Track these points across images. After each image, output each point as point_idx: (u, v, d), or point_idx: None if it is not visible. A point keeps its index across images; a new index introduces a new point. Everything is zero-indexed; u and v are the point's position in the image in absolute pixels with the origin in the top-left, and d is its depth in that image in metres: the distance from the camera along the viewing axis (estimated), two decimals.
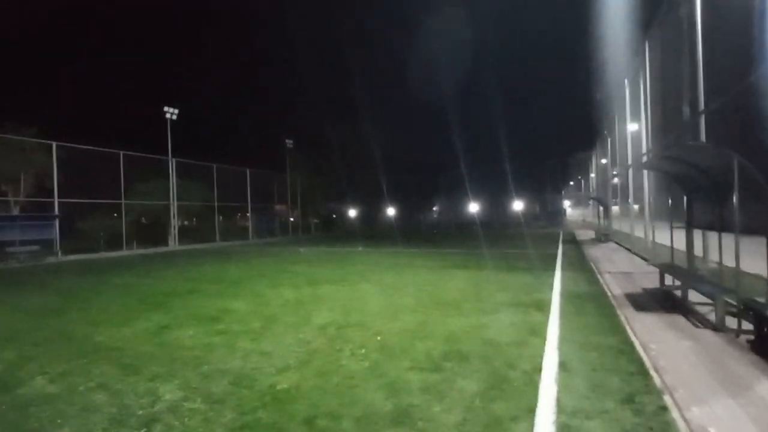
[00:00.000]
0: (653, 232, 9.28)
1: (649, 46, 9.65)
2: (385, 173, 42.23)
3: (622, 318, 4.52)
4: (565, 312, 4.82)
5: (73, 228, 18.53)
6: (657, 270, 7.80)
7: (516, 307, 5.16)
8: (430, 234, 27.27)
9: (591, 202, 34.03)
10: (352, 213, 45.89)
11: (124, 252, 18.25)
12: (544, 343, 3.68)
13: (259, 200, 26.15)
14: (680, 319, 4.44)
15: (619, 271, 8.08)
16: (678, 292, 5.62)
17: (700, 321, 4.30)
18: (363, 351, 3.64)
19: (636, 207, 15.42)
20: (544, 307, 5.08)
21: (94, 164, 17.56)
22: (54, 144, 16.21)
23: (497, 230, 28.89)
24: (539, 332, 4.04)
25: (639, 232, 13.98)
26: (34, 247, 14.87)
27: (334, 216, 36.98)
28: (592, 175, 35.99)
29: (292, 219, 31.75)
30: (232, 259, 13.34)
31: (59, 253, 15.93)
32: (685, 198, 5.92)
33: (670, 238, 6.24)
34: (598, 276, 7.54)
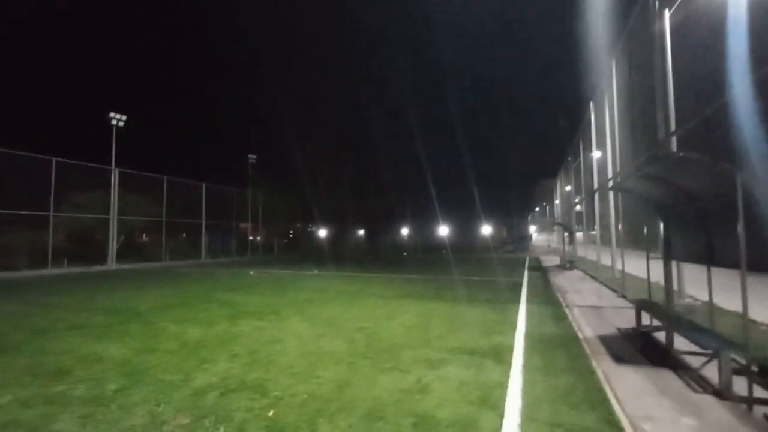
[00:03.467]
0: (622, 261, 8.58)
1: (616, 66, 9.25)
2: (353, 193, 41.30)
3: (600, 375, 3.53)
4: (529, 366, 3.78)
5: None
6: (628, 303, 7.07)
7: (470, 356, 4.08)
8: (397, 257, 26.21)
9: (556, 227, 34.24)
10: (321, 233, 44.37)
11: (49, 270, 16.06)
12: (501, 425, 2.60)
13: (215, 217, 24.35)
14: (670, 377, 3.49)
15: (588, 305, 7.23)
16: (658, 335, 4.76)
17: (696, 381, 3.37)
18: None
19: (599, 234, 15.05)
20: (503, 358, 4.03)
21: (22, 171, 15.54)
22: None
23: (465, 254, 28.23)
24: (495, 402, 2.96)
25: (605, 260, 13.48)
26: None
27: (292, 236, 35.31)
28: (557, 201, 36.48)
29: (253, 238, 29.94)
30: (163, 282, 11.68)
31: None
32: (661, 225, 5.18)
33: (647, 269, 5.44)
34: (566, 311, 6.64)
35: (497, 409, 2.84)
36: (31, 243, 16.47)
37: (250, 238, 29.88)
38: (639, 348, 4.44)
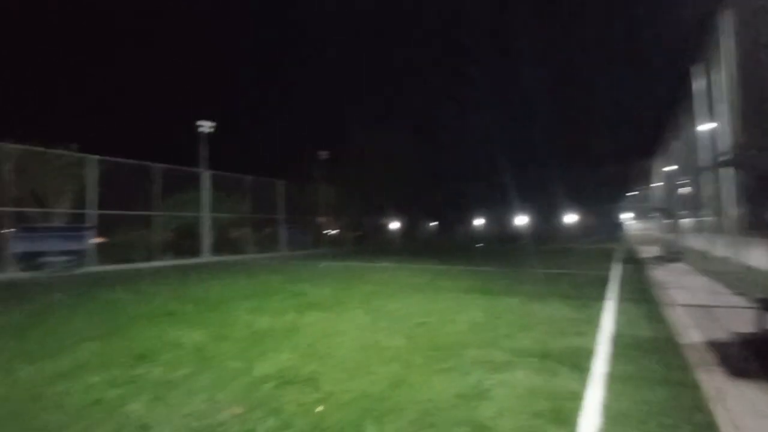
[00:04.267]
0: (742, 251, 7.13)
1: (723, 25, 7.66)
2: (427, 184, 40.86)
3: (708, 391, 2.88)
4: (614, 375, 3.24)
5: (110, 239, 19.08)
6: (748, 302, 5.82)
7: (541, 360, 3.64)
8: (470, 248, 25.32)
9: (655, 213, 30.27)
10: (393, 225, 44.79)
11: (157, 263, 18.45)
12: None
13: (291, 212, 25.86)
14: None
15: (695, 304, 6.13)
16: None
17: None
18: None
19: (710, 219, 12.83)
20: (582, 364, 3.52)
21: (130, 177, 18.02)
22: (93, 157, 16.79)
23: (545, 245, 26.24)
24: (567, 416, 2.55)
25: (718, 250, 11.48)
26: (70, 257, 15.25)
27: (364, 228, 36.01)
28: (657, 183, 32.13)
29: (329, 232, 31.28)
30: (245, 273, 12.65)
31: (94, 263, 16.29)
32: None
33: None
34: (666, 310, 5.69)
35: (569, 426, 2.43)
36: (143, 239, 19.06)
37: (326, 232, 31.24)
38: (761, 358, 3.58)
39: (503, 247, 25.69)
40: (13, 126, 16.52)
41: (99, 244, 17.10)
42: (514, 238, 34.83)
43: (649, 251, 17.48)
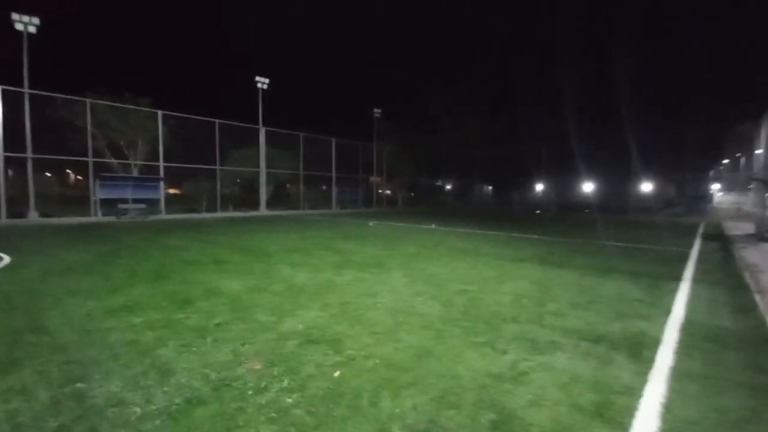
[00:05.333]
0: None
1: None
2: (483, 146, 38.82)
3: None
4: (681, 371, 2.74)
5: (178, 190, 20.64)
6: None
7: (593, 344, 3.21)
8: (527, 215, 23.97)
9: (754, 185, 26.30)
10: (448, 187, 43.72)
11: (219, 214, 19.76)
12: None
13: (344, 170, 26.06)
14: None
15: None
16: None
17: None
18: (289, 400, 2.30)
19: None
20: (642, 353, 3.04)
21: (195, 132, 19.01)
22: (159, 113, 17.84)
23: (614, 215, 24.07)
24: (617, 415, 2.17)
25: None
26: (142, 206, 16.76)
27: (418, 189, 35.39)
28: (759, 150, 27.57)
29: (380, 191, 31.30)
30: (295, 228, 13.04)
31: (163, 212, 17.81)
32: None
33: None
34: (757, 298, 4.82)
35: (618, 427, 2.06)
36: (208, 191, 20.37)
37: (380, 191, 31.29)
38: None
39: (565, 215, 24.00)
40: (96, 83, 17.87)
41: (169, 194, 18.59)
42: (579, 206, 32.32)
43: (740, 228, 15.26)
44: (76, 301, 4.23)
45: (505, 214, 23.39)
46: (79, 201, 17.19)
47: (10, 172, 15.14)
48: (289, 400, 2.30)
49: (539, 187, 46.39)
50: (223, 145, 19.78)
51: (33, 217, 14.49)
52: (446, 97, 33.89)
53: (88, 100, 16.08)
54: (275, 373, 2.63)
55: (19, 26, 13.86)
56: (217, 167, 19.88)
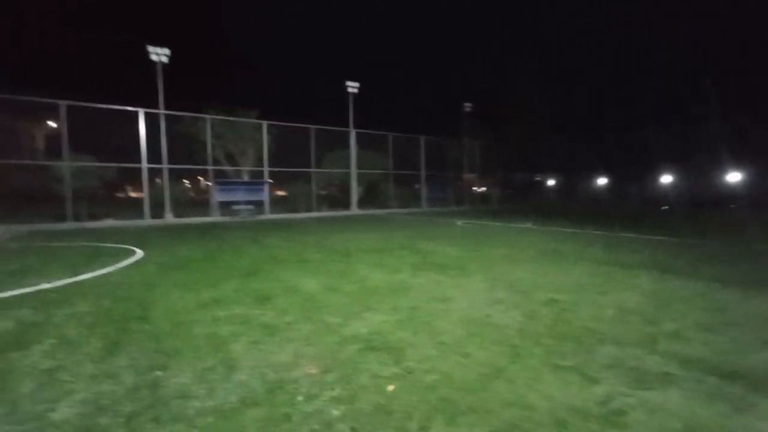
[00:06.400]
0: None
1: None
2: (590, 135, 34.78)
3: None
4: None
5: (280, 192, 22.61)
6: None
7: (723, 381, 2.45)
8: (650, 212, 20.63)
9: None
10: (550, 183, 40.32)
11: (313, 214, 21.13)
12: None
13: (434, 168, 25.73)
14: None
15: None
16: None
17: None
18: (335, 412, 2.16)
19: None
20: None
21: (293, 138, 20.64)
22: (264, 123, 19.76)
23: None
24: None
25: None
26: (251, 207, 18.76)
27: (514, 185, 33.10)
28: None
29: (474, 189, 30.19)
30: (380, 227, 13.20)
31: (267, 212, 19.69)
32: None
33: None
34: None
35: None
36: (304, 192, 21.95)
37: (472, 188, 30.22)
38: None
39: (700, 211, 20.05)
40: (210, 97, 20.55)
41: (272, 196, 20.49)
42: (718, 201, 26.75)
43: None
44: (178, 293, 4.77)
45: (618, 211, 20.51)
46: (205, 203, 20.00)
47: (158, 181, 18.23)
48: (336, 413, 2.17)
49: (665, 179, 39.77)
50: (317, 148, 21.16)
51: (169, 218, 17.26)
52: (542, 79, 31.08)
53: (208, 117, 18.59)
54: (328, 379, 2.53)
55: (153, 57, 16.65)
56: (312, 170, 21.30)
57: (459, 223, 14.85)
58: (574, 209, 22.99)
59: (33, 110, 15.58)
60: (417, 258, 6.97)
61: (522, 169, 33.36)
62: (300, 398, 2.32)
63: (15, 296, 4.72)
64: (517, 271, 5.84)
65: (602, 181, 41.50)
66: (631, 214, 19.02)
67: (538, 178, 38.48)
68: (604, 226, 12.46)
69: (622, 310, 3.92)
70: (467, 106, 27.03)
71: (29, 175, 15.82)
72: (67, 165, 15.55)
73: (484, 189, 30.70)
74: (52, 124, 16.69)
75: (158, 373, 2.66)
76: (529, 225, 13.30)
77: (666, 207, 23.53)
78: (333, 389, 2.41)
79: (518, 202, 31.15)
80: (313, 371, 2.66)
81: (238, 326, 3.56)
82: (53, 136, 16.49)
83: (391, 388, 2.42)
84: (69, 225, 15.32)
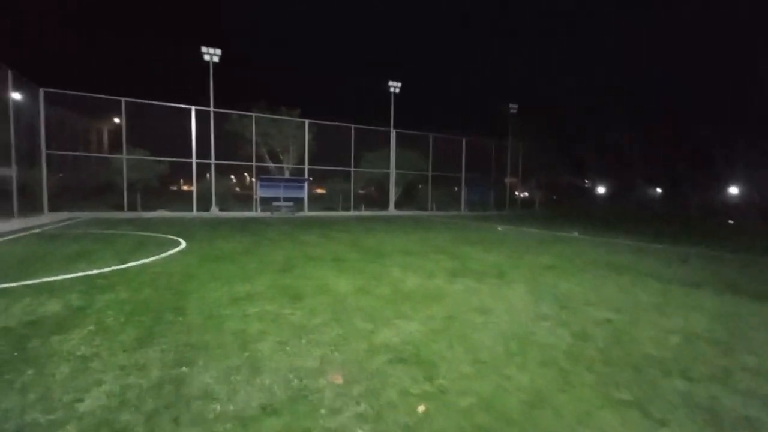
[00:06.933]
0: None
1: None
2: (643, 136, 32.41)
3: None
4: None
5: (318, 190, 22.92)
6: None
7: None
8: (714, 225, 18.85)
9: None
10: (599, 189, 38.14)
11: (351, 212, 21.23)
12: None
13: (474, 170, 25.05)
14: None
15: None
16: None
17: None
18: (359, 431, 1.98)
19: None
20: None
21: (333, 137, 20.86)
22: (306, 121, 20.09)
23: None
24: None
25: None
26: (290, 204, 19.14)
27: (560, 190, 31.48)
28: None
29: (519, 193, 29.10)
30: (417, 229, 12.93)
31: (306, 210, 20.01)
32: None
33: None
34: None
35: None
36: (343, 191, 22.11)
37: (515, 193, 29.15)
38: None
39: None
40: (256, 96, 21.19)
41: (311, 193, 20.83)
42: None
43: None
44: (214, 286, 4.81)
45: (678, 223, 18.89)
46: (248, 199, 20.69)
47: (207, 176, 19.07)
48: (421, 410, 2.00)
49: (732, 189, 36.35)
50: (357, 148, 21.26)
51: (214, 211, 18.00)
52: (583, 84, 29.28)
53: (253, 115, 19.20)
54: (354, 392, 2.36)
55: (206, 57, 17.42)
56: (351, 169, 21.40)
57: (499, 228, 14.27)
58: (624, 218, 21.47)
59: (98, 108, 16.80)
60: (454, 263, 6.67)
61: (568, 173, 31.68)
62: (323, 411, 2.16)
63: (68, 280, 4.98)
64: (564, 283, 5.40)
65: (659, 188, 38.63)
66: (691, 225, 17.42)
67: (587, 184, 36.44)
68: (659, 239, 11.44)
69: (688, 336, 3.45)
70: (512, 107, 26.03)
71: (94, 168, 17.08)
72: (124, 158, 16.62)
73: (526, 193, 29.51)
74: (116, 120, 17.92)
75: (184, 369, 2.61)
76: (575, 234, 12.51)
77: (731, 221, 21.37)
78: (358, 404, 2.23)
79: (563, 208, 29.64)
80: (339, 381, 2.50)
81: (267, 324, 3.49)
82: (115, 132, 17.71)
83: (421, 408, 2.20)
84: (126, 214, 16.37)
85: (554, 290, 4.99)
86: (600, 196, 37.40)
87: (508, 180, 27.80)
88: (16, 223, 11.50)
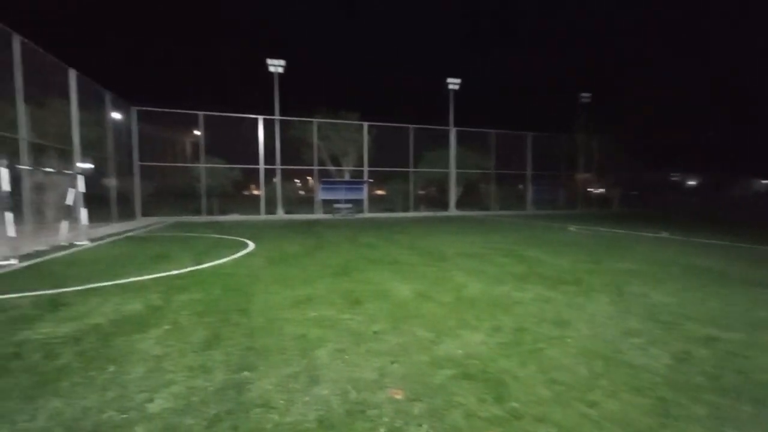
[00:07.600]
0: None
1: None
2: (742, 123, 28.13)
3: None
4: None
5: (381, 192, 23.05)
6: None
7: None
8: None
9: None
10: (689, 183, 33.94)
11: (411, 213, 21.07)
12: None
13: (542, 167, 23.55)
14: None
15: None
16: None
17: None
18: None
19: None
20: None
21: (392, 138, 20.86)
22: (365, 124, 20.32)
23: None
24: None
25: None
26: (350, 205, 19.47)
27: (640, 186, 28.28)
28: None
29: (593, 189, 26.84)
30: (481, 230, 12.39)
31: (365, 211, 20.23)
32: None
33: None
34: None
35: None
36: (403, 192, 22.01)
37: (590, 190, 26.94)
38: None
39: None
40: (317, 102, 21.87)
41: (371, 195, 21.00)
42: None
43: None
44: (277, 288, 4.92)
45: None
46: (311, 201, 21.50)
47: (274, 180, 20.15)
48: None
49: None
50: (416, 148, 21.06)
51: (280, 214, 18.92)
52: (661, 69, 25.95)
53: (315, 120, 19.87)
54: (415, 411, 2.18)
55: (271, 68, 18.38)
56: (410, 169, 21.24)
57: (572, 228, 13.18)
58: (725, 217, 18.75)
59: (180, 122, 18.52)
60: (522, 267, 6.20)
61: (651, 167, 28.44)
62: (382, 430, 2.01)
63: (150, 279, 5.41)
64: (655, 293, 4.72)
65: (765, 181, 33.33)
66: None
67: (675, 178, 32.49)
68: (763, 240, 9.73)
69: None
70: (585, 97, 24.03)
71: (178, 176, 18.84)
72: (202, 167, 18.12)
73: (602, 190, 27.06)
74: (195, 132, 19.62)
75: (246, 373, 2.62)
76: (664, 234, 11.13)
77: None
78: (420, 425, 2.04)
79: (647, 206, 26.73)
80: (399, 396, 2.33)
81: (326, 330, 3.44)
82: (194, 143, 19.42)
83: None
84: (204, 218, 17.84)
85: (643, 300, 4.38)
86: (694, 190, 33.17)
87: (580, 176, 25.73)
88: (114, 227, 13.02)
